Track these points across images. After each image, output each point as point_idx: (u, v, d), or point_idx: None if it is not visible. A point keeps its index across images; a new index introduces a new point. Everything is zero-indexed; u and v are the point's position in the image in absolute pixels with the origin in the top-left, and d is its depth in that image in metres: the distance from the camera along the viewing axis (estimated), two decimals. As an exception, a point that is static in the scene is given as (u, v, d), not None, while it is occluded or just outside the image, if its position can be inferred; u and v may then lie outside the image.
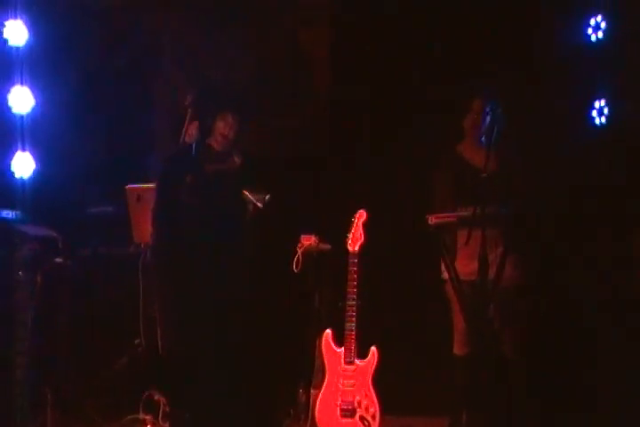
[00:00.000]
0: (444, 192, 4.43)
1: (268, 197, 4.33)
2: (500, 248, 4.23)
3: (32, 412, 4.42)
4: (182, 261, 4.06)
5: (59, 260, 4.67)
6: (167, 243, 4.10)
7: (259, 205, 4.25)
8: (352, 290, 4.27)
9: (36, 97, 4.83)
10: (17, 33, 4.76)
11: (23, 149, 4.82)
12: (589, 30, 4.93)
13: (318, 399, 4.29)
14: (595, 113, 4.86)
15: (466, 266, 4.25)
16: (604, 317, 4.62)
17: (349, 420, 4.23)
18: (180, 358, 4.10)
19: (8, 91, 4.78)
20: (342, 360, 4.28)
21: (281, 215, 4.26)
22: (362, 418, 4.21)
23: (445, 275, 4.41)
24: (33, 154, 4.84)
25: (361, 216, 4.41)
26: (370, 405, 4.22)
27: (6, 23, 4.73)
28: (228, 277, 4.07)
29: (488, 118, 4.37)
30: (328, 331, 4.35)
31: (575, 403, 4.48)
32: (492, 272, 4.10)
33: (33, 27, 4.80)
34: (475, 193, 4.08)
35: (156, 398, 4.55)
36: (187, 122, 4.43)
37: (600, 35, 4.90)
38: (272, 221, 4.18)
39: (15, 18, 4.75)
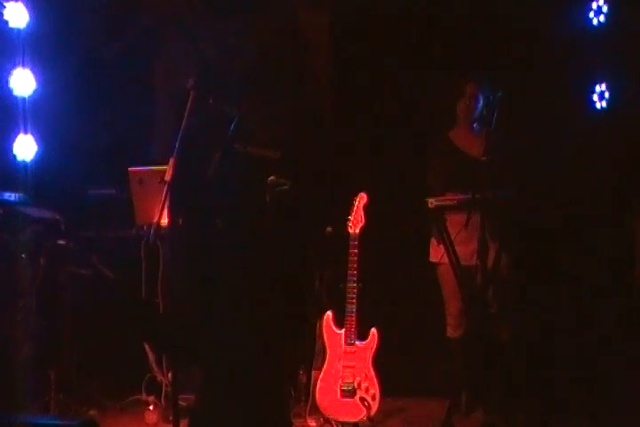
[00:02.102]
0: (436, 178, 4.47)
1: (270, 179, 4.34)
2: (499, 231, 4.26)
3: (36, 394, 4.45)
4: (199, 240, 4.06)
5: (61, 242, 4.68)
6: (187, 218, 4.06)
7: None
8: (352, 272, 4.31)
9: (37, 79, 4.82)
10: (17, 15, 4.75)
11: (25, 132, 4.82)
12: (591, 14, 4.92)
13: (319, 380, 4.34)
14: (595, 97, 4.87)
15: (463, 250, 4.28)
16: (602, 300, 4.65)
17: (349, 400, 4.28)
18: (183, 339, 4.12)
19: (9, 73, 4.77)
20: (343, 342, 4.32)
21: (295, 203, 4.28)
22: (362, 399, 4.26)
23: (433, 258, 4.46)
24: (35, 136, 4.85)
25: (361, 199, 4.44)
26: (370, 386, 4.26)
27: (7, 5, 4.72)
28: (237, 259, 4.07)
29: (481, 103, 4.41)
30: (329, 313, 4.39)
31: (573, 387, 4.52)
32: (490, 256, 4.13)
33: (33, 8, 4.79)
34: (473, 177, 4.10)
35: (158, 379, 4.59)
36: (189, 104, 4.43)
37: (602, 18, 4.90)
38: (283, 206, 4.19)
39: (16, 0, 4.74)
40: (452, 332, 4.48)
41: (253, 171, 4.14)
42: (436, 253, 4.45)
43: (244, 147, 4.11)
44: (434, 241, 4.48)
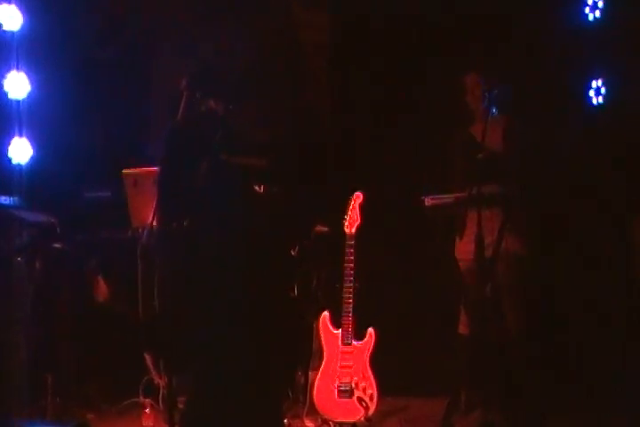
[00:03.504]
0: (457, 174, 4.42)
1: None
2: (497, 228, 4.21)
3: (32, 397, 4.43)
4: (187, 246, 4.04)
5: (57, 245, 4.66)
6: (173, 224, 4.04)
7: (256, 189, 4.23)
8: (349, 272, 4.28)
9: (32, 82, 4.81)
10: (11, 18, 4.74)
11: (20, 135, 4.81)
12: (587, 9, 4.91)
13: (316, 381, 4.31)
14: (592, 93, 4.84)
15: (468, 247, 4.25)
16: (605, 297, 4.62)
17: (347, 401, 4.25)
18: (179, 341, 4.10)
19: (4, 76, 4.76)
20: (340, 342, 4.29)
21: (286, 205, 4.25)
22: (359, 399, 4.23)
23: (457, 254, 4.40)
24: (30, 140, 4.83)
25: (357, 198, 4.41)
26: (367, 386, 4.23)
27: (0, 7, 4.71)
28: (230, 262, 4.05)
29: (486, 95, 4.36)
30: (325, 313, 4.36)
31: (576, 383, 4.48)
32: (489, 252, 4.09)
33: (27, 11, 4.77)
34: (472, 173, 4.07)
35: (155, 382, 4.56)
36: (182, 105, 4.41)
37: (597, 14, 4.88)
38: (275, 208, 4.17)
39: (9, 2, 4.73)
40: (463, 328, 4.43)
41: (239, 180, 4.11)
42: (458, 249, 4.39)
43: (230, 156, 4.09)
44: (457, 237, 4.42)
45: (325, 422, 4.34)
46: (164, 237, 4.05)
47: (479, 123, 4.43)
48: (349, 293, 4.27)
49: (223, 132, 3.99)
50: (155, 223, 4.04)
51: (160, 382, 4.54)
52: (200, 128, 4.14)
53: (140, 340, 4.60)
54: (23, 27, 4.78)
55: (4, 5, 4.72)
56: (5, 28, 4.74)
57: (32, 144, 4.84)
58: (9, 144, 4.80)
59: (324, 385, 4.28)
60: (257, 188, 4.28)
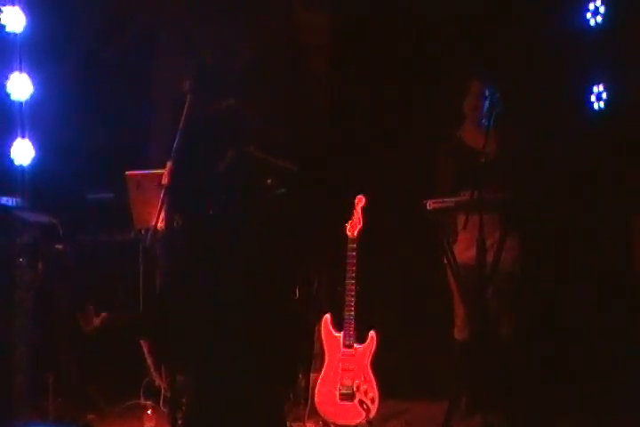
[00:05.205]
0: (446, 178, 4.44)
1: (269, 181, 4.33)
2: (498, 232, 4.24)
3: (33, 397, 4.44)
4: (191, 245, 4.05)
5: (59, 246, 4.67)
6: (181, 222, 4.05)
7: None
8: (351, 275, 4.29)
9: (34, 84, 4.82)
10: (14, 19, 4.74)
11: (22, 137, 4.82)
12: (588, 15, 4.93)
13: (318, 383, 4.32)
14: (593, 98, 4.86)
15: (464, 250, 4.27)
16: (603, 300, 4.64)
17: (348, 404, 4.26)
18: (180, 342, 4.12)
19: (6, 77, 4.77)
20: (341, 344, 4.31)
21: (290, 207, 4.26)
22: (361, 402, 4.24)
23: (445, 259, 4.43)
24: (32, 141, 4.84)
25: (360, 201, 4.42)
26: (369, 389, 4.25)
27: (3, 9, 4.71)
28: (232, 263, 4.07)
29: (487, 101, 4.38)
30: (327, 315, 4.38)
31: (574, 385, 4.51)
32: (490, 256, 4.11)
33: (30, 13, 4.78)
34: (473, 178, 4.08)
35: (156, 383, 4.57)
36: (186, 107, 4.42)
37: (599, 19, 4.90)
38: (281, 209, 4.19)
39: (12, 4, 4.74)
40: (459, 333, 4.45)
41: (263, 176, 4.12)
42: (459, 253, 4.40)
43: (263, 153, 4.10)
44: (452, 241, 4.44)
45: (327, 424, 4.35)
46: (172, 235, 4.06)
47: (480, 128, 4.47)
48: (351, 296, 4.28)
49: (245, 127, 4.00)
50: (159, 225, 4.05)
51: (161, 383, 4.55)
52: (211, 127, 4.16)
53: (140, 341, 4.62)
54: (26, 28, 4.78)
55: (8, 7, 4.73)
56: (8, 29, 4.75)
57: (34, 145, 4.84)
58: (11, 145, 4.81)
59: (325, 388, 4.30)
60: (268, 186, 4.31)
